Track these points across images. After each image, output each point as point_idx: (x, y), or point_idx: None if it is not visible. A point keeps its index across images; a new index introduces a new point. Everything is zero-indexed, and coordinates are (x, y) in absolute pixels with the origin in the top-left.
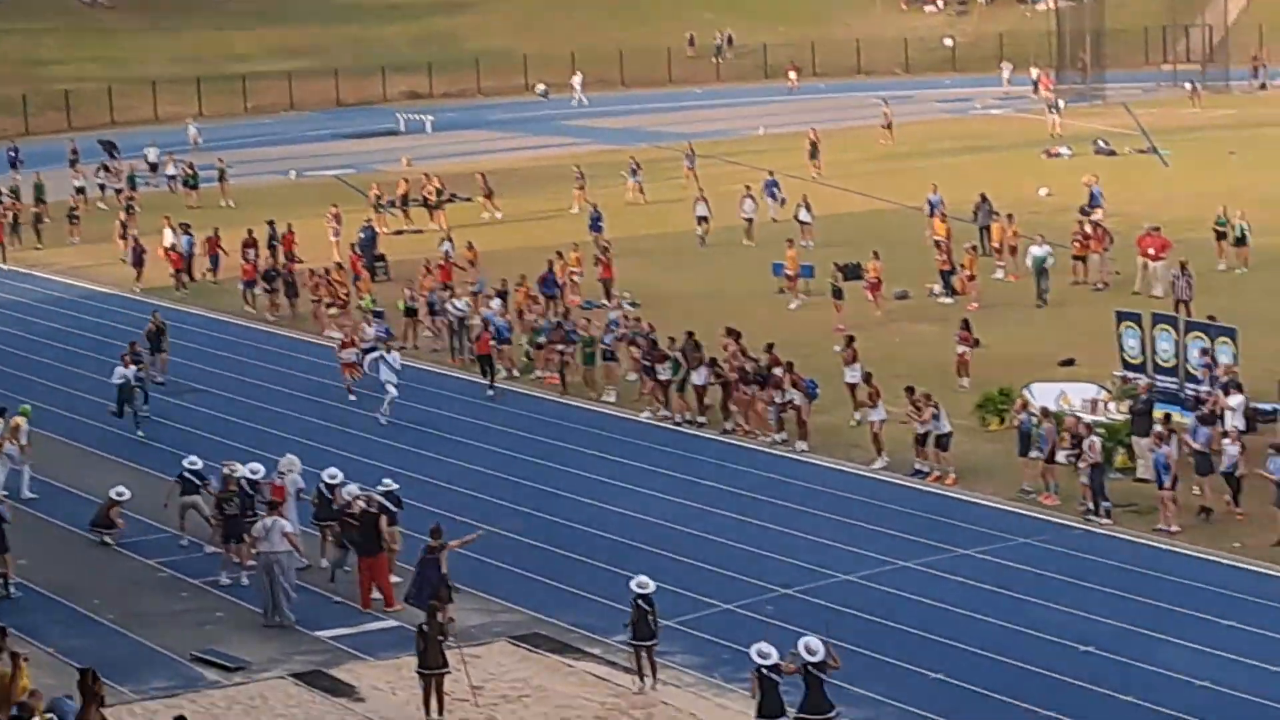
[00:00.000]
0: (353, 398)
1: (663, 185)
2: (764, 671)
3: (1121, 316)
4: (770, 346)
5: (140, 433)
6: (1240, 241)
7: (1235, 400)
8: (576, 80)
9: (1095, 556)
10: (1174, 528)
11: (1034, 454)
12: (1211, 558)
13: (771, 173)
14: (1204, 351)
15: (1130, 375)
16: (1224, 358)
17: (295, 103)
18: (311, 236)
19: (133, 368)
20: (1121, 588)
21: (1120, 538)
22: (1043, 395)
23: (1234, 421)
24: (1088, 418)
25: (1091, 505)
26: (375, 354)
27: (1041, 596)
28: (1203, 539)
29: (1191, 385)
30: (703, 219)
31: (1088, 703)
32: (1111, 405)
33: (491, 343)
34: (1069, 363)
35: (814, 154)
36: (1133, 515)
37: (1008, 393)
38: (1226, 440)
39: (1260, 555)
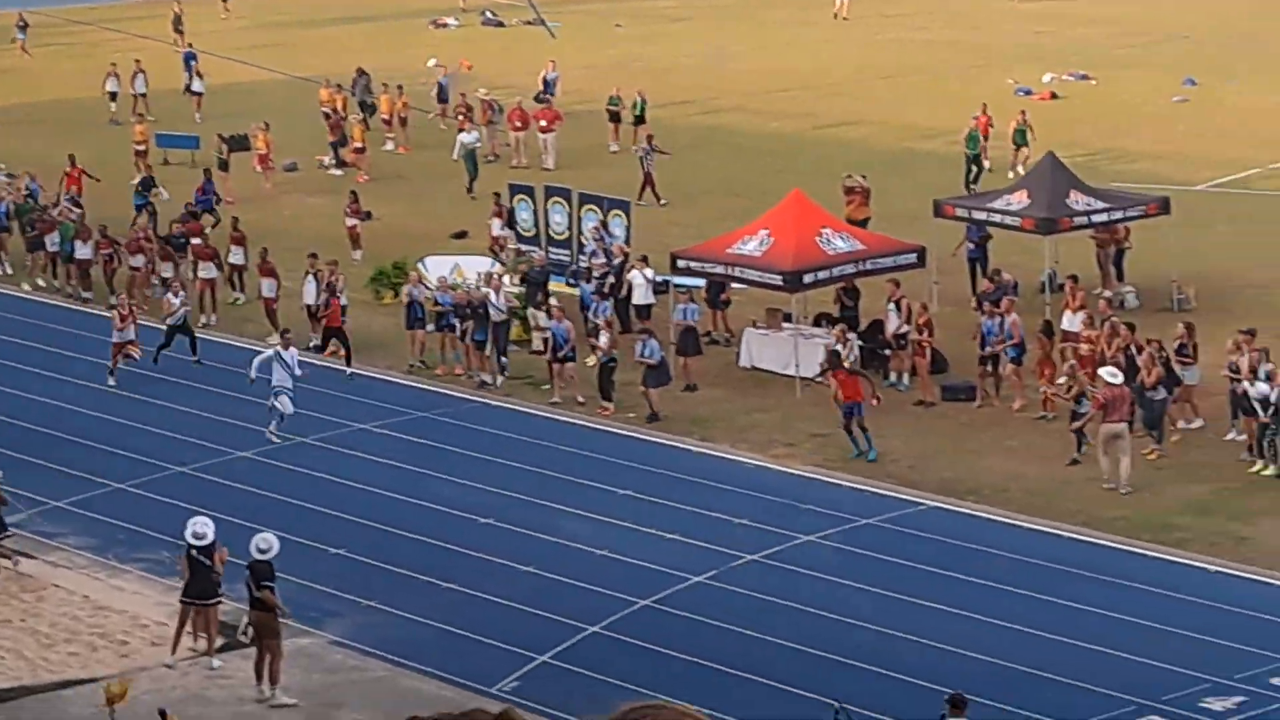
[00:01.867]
0: (112, 381)
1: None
2: (195, 554)
3: (515, 190)
4: (195, 215)
5: None
6: (639, 120)
7: (648, 273)
8: None
9: (492, 429)
10: (580, 398)
11: (430, 327)
12: (601, 428)
13: (191, 45)
14: (598, 225)
15: (524, 248)
16: (617, 230)
17: None
18: None
19: None
20: (519, 459)
21: (515, 409)
22: (436, 268)
23: (642, 296)
24: (484, 290)
25: (489, 378)
26: (267, 354)
27: (440, 470)
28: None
29: (584, 257)
30: (113, 94)
31: (489, 574)
32: (506, 278)
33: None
34: (462, 235)
35: (178, 25)
36: (528, 387)
37: (401, 266)
38: (603, 332)
39: (655, 425)
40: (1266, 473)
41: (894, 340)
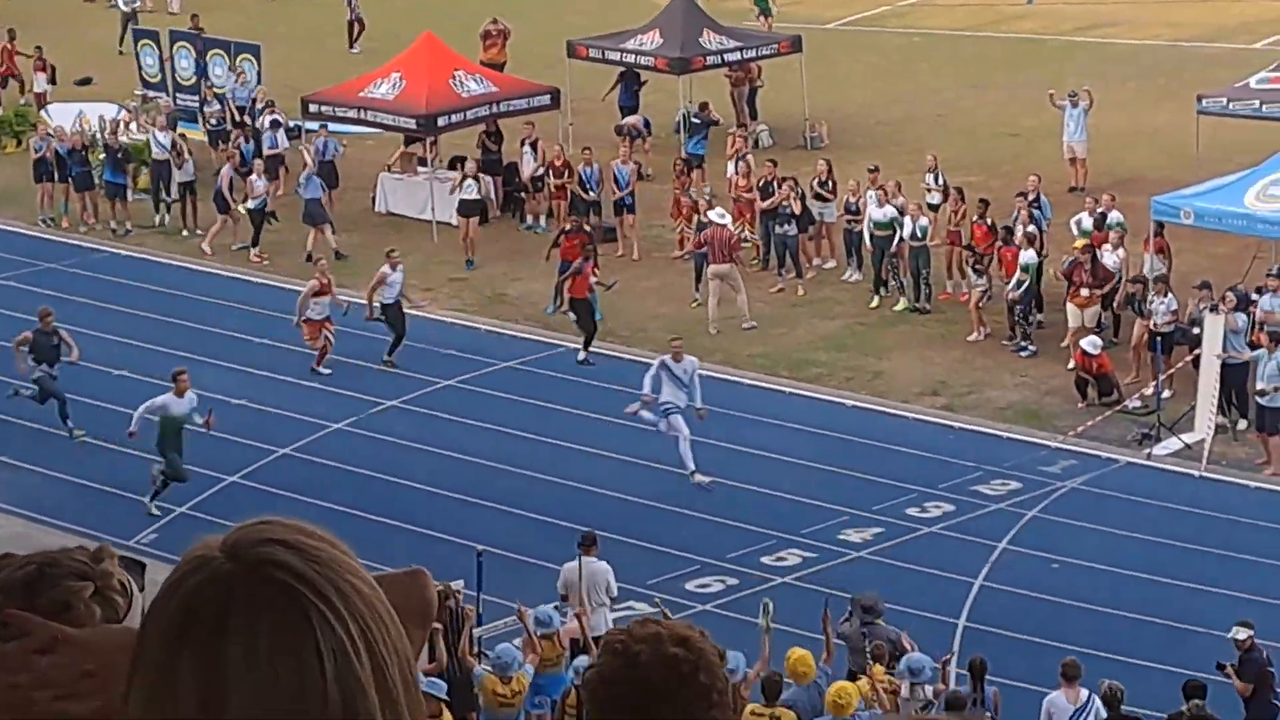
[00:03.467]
0: (326, 371)
1: None
2: None
3: (139, 35)
4: None
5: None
6: None
7: (280, 116)
8: None
9: (123, 279)
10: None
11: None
12: (240, 276)
13: None
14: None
15: (151, 94)
16: (250, 74)
17: None
18: None
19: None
20: (153, 309)
21: (148, 259)
22: (62, 116)
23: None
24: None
25: (117, 227)
26: (667, 406)
27: (70, 321)
28: (239, 259)
29: (220, 105)
30: None
31: (123, 426)
32: (134, 125)
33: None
34: (86, 82)
35: None
36: (160, 235)
37: (23, 114)
38: (253, 177)
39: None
40: (898, 308)
41: (530, 183)
